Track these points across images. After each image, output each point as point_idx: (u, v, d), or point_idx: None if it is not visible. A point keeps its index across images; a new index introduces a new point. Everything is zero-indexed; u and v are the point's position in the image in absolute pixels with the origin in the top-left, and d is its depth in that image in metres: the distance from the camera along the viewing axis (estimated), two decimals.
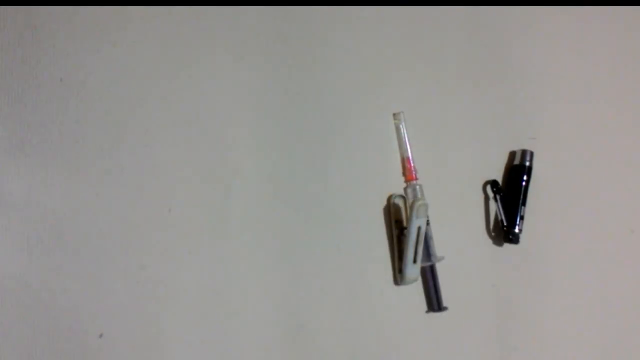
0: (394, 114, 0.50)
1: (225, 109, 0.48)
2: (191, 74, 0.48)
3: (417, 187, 0.48)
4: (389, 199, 0.49)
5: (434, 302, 0.49)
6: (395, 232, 0.49)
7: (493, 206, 0.51)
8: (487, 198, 0.51)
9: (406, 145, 0.49)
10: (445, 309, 0.49)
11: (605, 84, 0.54)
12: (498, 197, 0.50)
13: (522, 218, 0.50)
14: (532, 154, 0.51)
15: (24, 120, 0.46)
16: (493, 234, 0.51)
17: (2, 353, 0.44)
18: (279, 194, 0.48)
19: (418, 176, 0.48)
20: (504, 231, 0.50)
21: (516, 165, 0.51)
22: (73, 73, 0.47)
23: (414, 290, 0.49)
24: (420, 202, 0.47)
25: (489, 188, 0.51)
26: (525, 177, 0.51)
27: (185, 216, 0.47)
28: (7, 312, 0.44)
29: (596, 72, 0.54)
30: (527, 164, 0.51)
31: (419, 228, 0.47)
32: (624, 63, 0.54)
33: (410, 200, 0.48)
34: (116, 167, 0.46)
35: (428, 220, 0.48)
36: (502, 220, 0.50)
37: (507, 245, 0.51)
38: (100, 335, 0.45)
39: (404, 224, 0.49)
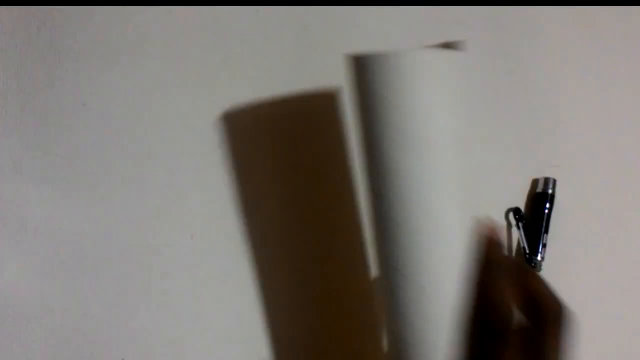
0: None
1: (249, 136, 0.48)
2: (216, 99, 0.48)
3: None
4: None
5: None
6: None
7: (515, 233, 0.51)
8: (509, 225, 0.51)
9: None
10: None
11: (631, 112, 0.53)
12: (520, 224, 0.50)
13: (544, 246, 0.50)
14: (554, 181, 0.51)
15: (47, 145, 0.46)
16: None
17: None
18: (301, 218, 0.48)
19: None
20: (526, 259, 0.50)
21: (539, 193, 0.51)
22: (96, 97, 0.47)
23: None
24: None
25: (511, 215, 0.51)
26: (548, 205, 0.50)
27: (207, 242, 0.47)
28: (30, 336, 0.45)
29: (621, 99, 0.53)
30: (550, 191, 0.51)
31: None
32: None
33: None
34: (140, 193, 0.47)
35: None
36: (524, 248, 0.50)
37: None
38: None
39: None
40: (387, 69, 0.36)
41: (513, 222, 0.51)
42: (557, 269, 0.51)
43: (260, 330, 0.47)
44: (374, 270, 0.44)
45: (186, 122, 0.47)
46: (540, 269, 0.50)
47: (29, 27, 0.46)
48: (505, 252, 0.36)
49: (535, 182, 0.52)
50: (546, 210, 0.50)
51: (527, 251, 0.50)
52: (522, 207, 0.51)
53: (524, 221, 0.50)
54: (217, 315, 0.47)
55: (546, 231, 0.50)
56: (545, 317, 0.34)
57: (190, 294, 0.47)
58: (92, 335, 0.45)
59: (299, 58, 0.48)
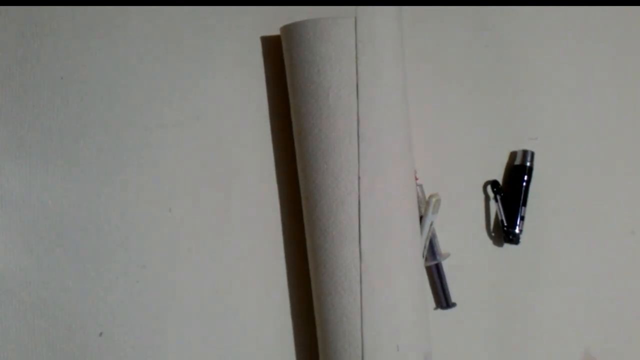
0: None
1: (227, 109, 0.48)
2: (192, 73, 0.48)
3: (418, 187, 0.48)
4: None
5: (442, 299, 0.49)
6: None
7: (493, 206, 0.51)
8: (487, 198, 0.51)
9: None
10: (454, 305, 0.49)
11: (607, 85, 0.54)
12: (498, 197, 0.50)
13: (522, 219, 0.50)
14: (532, 154, 0.51)
15: (24, 119, 0.46)
16: (493, 234, 0.51)
17: (1, 352, 0.44)
18: (280, 193, 0.48)
19: (418, 176, 0.48)
20: (504, 231, 0.50)
21: (517, 166, 0.51)
22: (74, 72, 0.47)
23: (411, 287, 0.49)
24: (436, 198, 0.47)
25: (489, 188, 0.51)
26: (525, 178, 0.50)
27: (185, 216, 0.47)
28: (7, 310, 0.45)
29: (598, 72, 0.54)
30: (528, 164, 0.51)
31: (432, 224, 0.47)
32: (626, 63, 0.54)
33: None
34: (117, 167, 0.47)
35: None
36: (502, 221, 0.50)
37: (507, 246, 0.51)
38: (100, 334, 0.45)
39: None
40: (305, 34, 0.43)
41: (491, 194, 0.51)
42: (535, 241, 0.51)
43: (239, 304, 0.47)
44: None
45: (164, 95, 0.47)
46: (518, 242, 0.50)
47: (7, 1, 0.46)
48: None
49: (513, 155, 0.52)
50: (524, 183, 0.50)
51: (505, 224, 0.50)
52: (500, 180, 0.51)
53: (502, 194, 0.50)
54: (195, 288, 0.47)
55: (524, 204, 0.50)
56: None
57: (168, 268, 0.47)
58: (70, 309, 0.45)
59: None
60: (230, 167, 0.48)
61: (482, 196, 0.51)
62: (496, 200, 0.50)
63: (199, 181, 0.47)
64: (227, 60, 0.48)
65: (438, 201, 0.47)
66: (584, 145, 0.53)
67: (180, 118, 0.47)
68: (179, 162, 0.47)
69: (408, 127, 0.45)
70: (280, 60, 0.46)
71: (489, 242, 0.51)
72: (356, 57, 0.42)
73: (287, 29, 0.44)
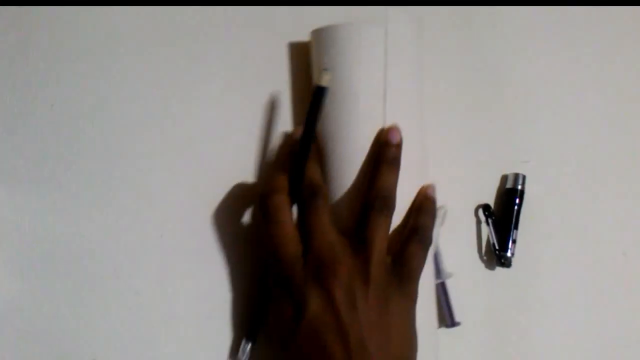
0: None
1: (218, 135, 0.48)
2: (184, 98, 0.48)
3: None
4: None
5: (447, 318, 0.49)
6: None
7: (485, 230, 0.51)
8: (479, 222, 0.51)
9: None
10: (458, 324, 0.49)
11: (600, 108, 0.54)
12: (490, 221, 0.50)
13: (514, 242, 0.50)
14: (524, 177, 0.51)
15: (15, 147, 0.46)
16: (485, 257, 0.51)
17: None
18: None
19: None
20: (496, 255, 0.50)
21: (508, 189, 0.51)
22: (65, 99, 0.47)
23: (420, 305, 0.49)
24: (445, 209, 0.47)
25: (480, 212, 0.51)
26: (517, 201, 0.51)
27: (176, 242, 0.47)
28: (0, 337, 0.45)
29: (590, 95, 0.54)
30: (520, 187, 0.51)
31: (437, 236, 0.47)
32: (617, 87, 0.54)
33: None
34: (109, 194, 0.47)
35: None
36: (494, 244, 0.50)
37: (499, 269, 0.51)
38: None
39: None
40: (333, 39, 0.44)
41: (483, 218, 0.51)
42: (527, 265, 0.51)
43: (233, 330, 0.47)
44: None
45: (155, 122, 0.47)
46: (510, 265, 0.50)
47: None
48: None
49: (504, 178, 0.52)
50: (516, 207, 0.51)
51: (497, 247, 0.50)
52: (492, 204, 0.51)
53: (493, 217, 0.50)
54: (189, 315, 0.47)
55: (516, 227, 0.51)
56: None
57: (162, 294, 0.47)
58: (63, 336, 0.45)
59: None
60: (222, 193, 0.48)
61: (474, 220, 0.51)
62: (488, 224, 0.50)
63: (190, 207, 0.47)
64: (219, 84, 0.48)
65: (445, 213, 0.47)
66: (575, 168, 0.53)
67: (172, 144, 0.48)
68: (170, 188, 0.47)
69: (425, 137, 0.46)
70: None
71: (481, 265, 0.51)
72: (385, 64, 0.43)
73: (319, 33, 0.45)
